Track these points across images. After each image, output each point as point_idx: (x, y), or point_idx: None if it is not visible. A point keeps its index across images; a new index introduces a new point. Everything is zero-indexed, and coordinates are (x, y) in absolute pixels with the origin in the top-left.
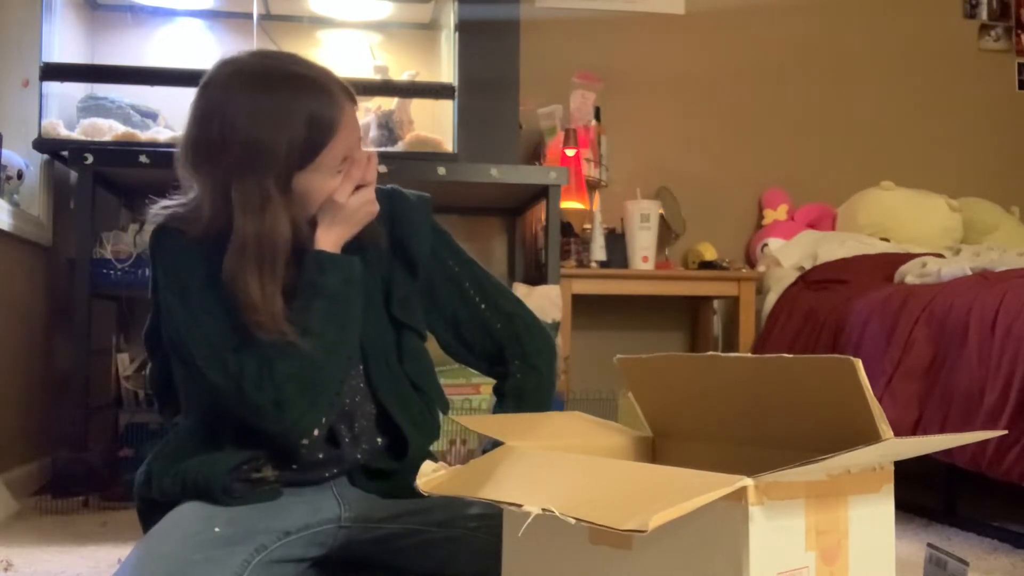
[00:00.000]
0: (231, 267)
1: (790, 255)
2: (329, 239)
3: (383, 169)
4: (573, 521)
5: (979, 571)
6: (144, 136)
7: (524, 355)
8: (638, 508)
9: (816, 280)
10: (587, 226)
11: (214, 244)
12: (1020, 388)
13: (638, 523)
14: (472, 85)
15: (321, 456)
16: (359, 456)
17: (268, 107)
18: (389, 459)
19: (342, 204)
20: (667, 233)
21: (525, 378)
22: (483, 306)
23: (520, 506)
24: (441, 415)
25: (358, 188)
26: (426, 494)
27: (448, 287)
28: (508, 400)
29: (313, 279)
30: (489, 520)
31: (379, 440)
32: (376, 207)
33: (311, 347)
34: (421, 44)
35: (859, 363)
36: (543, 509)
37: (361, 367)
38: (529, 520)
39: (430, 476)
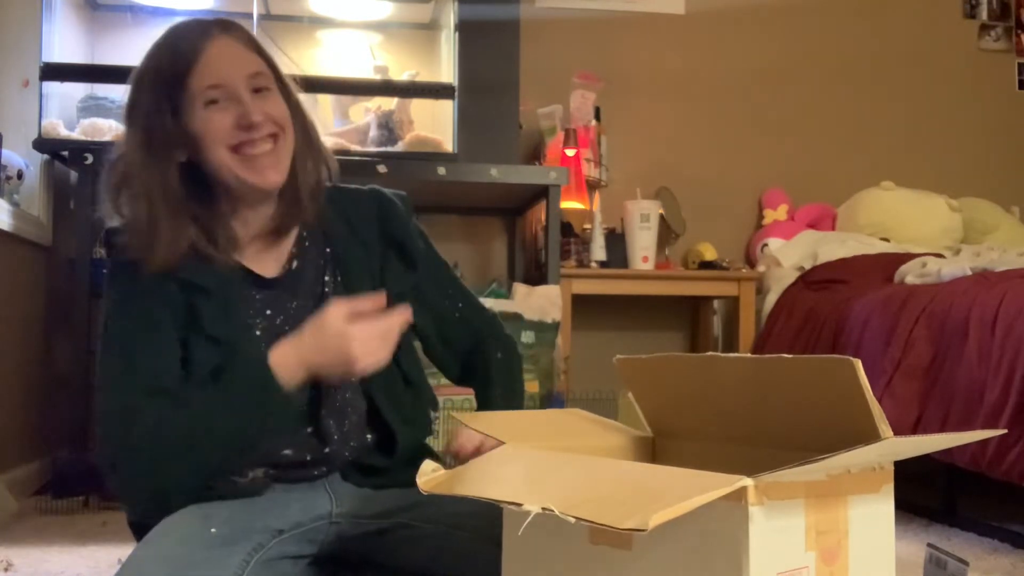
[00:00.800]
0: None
1: (790, 255)
2: (287, 356)
3: (383, 169)
4: (573, 520)
5: (979, 571)
6: None
7: (505, 344)
8: (638, 507)
9: (816, 280)
10: (587, 226)
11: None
12: (1020, 388)
13: (638, 522)
14: (472, 85)
15: (309, 457)
16: (347, 454)
17: (148, 56)
18: (379, 456)
19: (320, 323)
20: (667, 233)
21: (510, 358)
22: (460, 304)
23: (520, 505)
24: (433, 412)
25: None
26: (425, 493)
27: (433, 284)
28: (499, 377)
29: (231, 371)
30: (473, 520)
31: (368, 436)
32: (368, 366)
33: (174, 423)
34: (421, 44)
35: (859, 363)
36: (543, 508)
37: None
38: (529, 519)
39: (430, 475)
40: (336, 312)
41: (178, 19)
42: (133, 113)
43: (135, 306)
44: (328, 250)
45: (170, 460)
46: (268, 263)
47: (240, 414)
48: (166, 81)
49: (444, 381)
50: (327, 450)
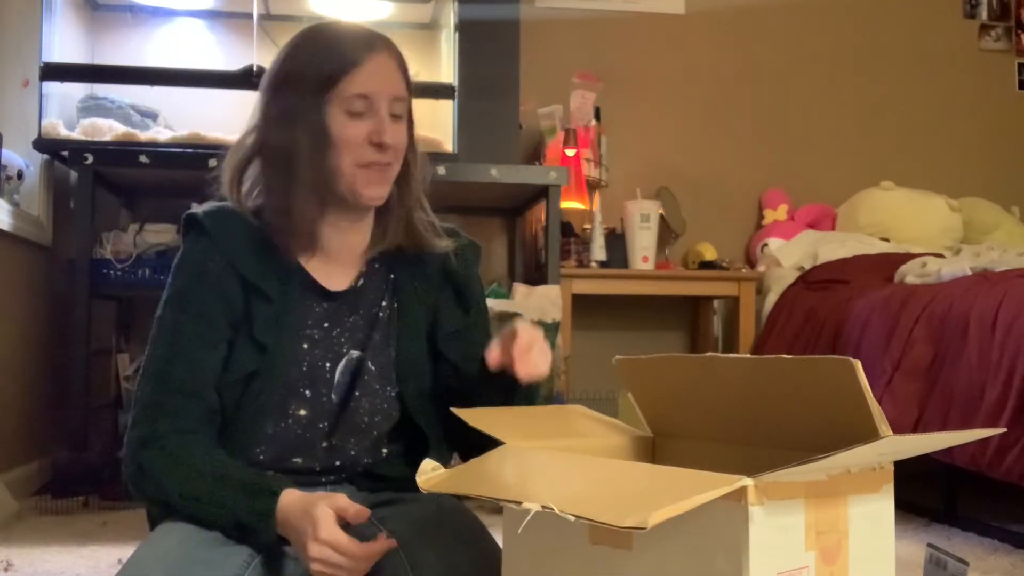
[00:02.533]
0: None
1: (790, 255)
2: (291, 505)
3: None
4: (572, 518)
5: (979, 571)
6: (144, 136)
7: None
8: (638, 506)
9: (816, 280)
10: (587, 226)
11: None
12: (1020, 388)
13: (637, 520)
14: (472, 85)
15: (319, 468)
16: (359, 469)
17: (306, 45)
18: (393, 466)
19: (313, 521)
20: (667, 233)
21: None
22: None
23: (519, 503)
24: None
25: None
26: (425, 492)
27: (481, 333)
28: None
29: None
30: (435, 527)
31: (384, 451)
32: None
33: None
34: (421, 44)
35: (858, 364)
36: (542, 506)
37: (389, 388)
38: (528, 517)
39: (430, 475)
40: (328, 524)
41: (328, 22)
42: (285, 98)
43: (195, 297)
44: (392, 276)
45: (169, 501)
46: (337, 276)
47: (227, 515)
48: (324, 76)
49: None
50: (337, 463)
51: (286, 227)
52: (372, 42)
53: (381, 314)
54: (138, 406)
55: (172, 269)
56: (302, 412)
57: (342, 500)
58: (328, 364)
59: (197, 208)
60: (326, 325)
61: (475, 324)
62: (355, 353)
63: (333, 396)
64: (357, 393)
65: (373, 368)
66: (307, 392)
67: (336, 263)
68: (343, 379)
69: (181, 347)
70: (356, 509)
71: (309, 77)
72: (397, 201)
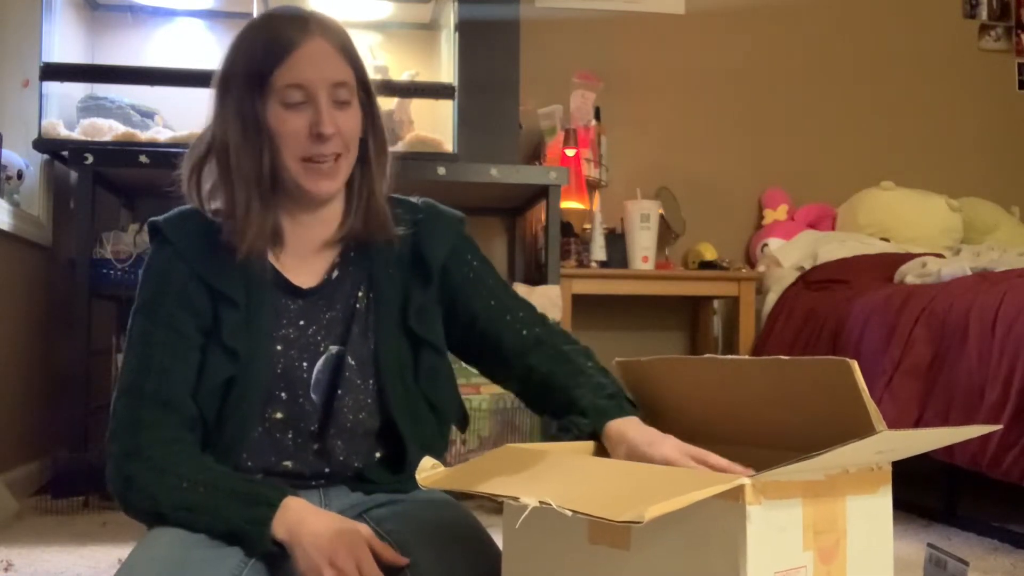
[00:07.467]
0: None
1: (790, 255)
2: (297, 513)
3: None
4: (570, 513)
5: (979, 571)
6: (144, 136)
7: (569, 338)
8: (635, 502)
9: (816, 280)
10: (587, 226)
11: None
12: (1020, 388)
13: (634, 515)
14: (472, 85)
15: (309, 472)
16: (349, 473)
17: (243, 38)
18: (385, 472)
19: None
20: (667, 233)
21: (582, 348)
22: (492, 303)
23: (517, 499)
24: (460, 429)
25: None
26: (424, 489)
27: (463, 294)
28: (581, 359)
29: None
30: (434, 532)
31: (376, 455)
32: None
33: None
34: (421, 44)
35: (855, 364)
36: (540, 502)
37: (371, 382)
38: (526, 512)
39: (429, 472)
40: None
41: (271, 9)
42: (226, 97)
43: (162, 307)
44: (368, 263)
45: (161, 512)
46: (308, 271)
47: (220, 524)
48: (256, 70)
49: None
50: (327, 469)
51: (240, 228)
52: (304, 27)
53: (358, 305)
54: (115, 419)
55: (140, 279)
56: (278, 416)
57: (375, 539)
58: (305, 364)
59: (160, 215)
60: (301, 323)
61: (449, 289)
62: (334, 348)
63: (313, 396)
64: (339, 391)
65: (353, 363)
66: (283, 395)
67: (305, 257)
68: (323, 377)
69: (152, 359)
70: (393, 554)
71: (245, 72)
72: (356, 189)
